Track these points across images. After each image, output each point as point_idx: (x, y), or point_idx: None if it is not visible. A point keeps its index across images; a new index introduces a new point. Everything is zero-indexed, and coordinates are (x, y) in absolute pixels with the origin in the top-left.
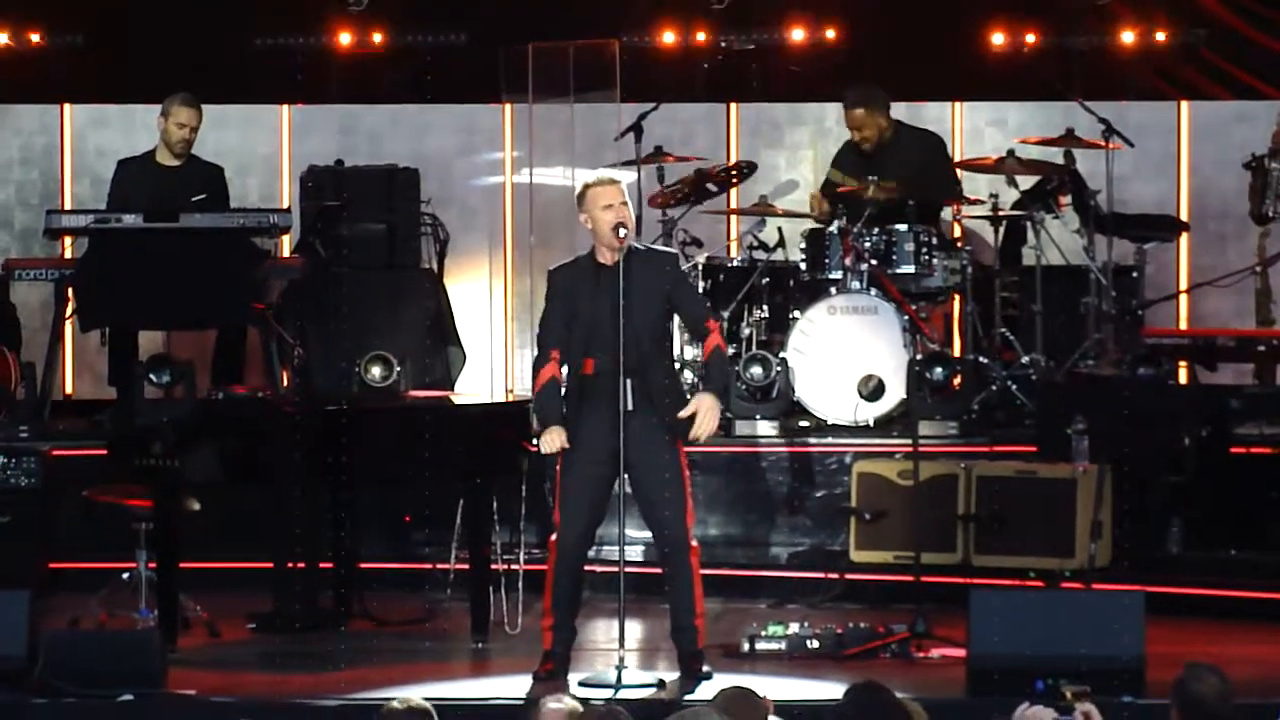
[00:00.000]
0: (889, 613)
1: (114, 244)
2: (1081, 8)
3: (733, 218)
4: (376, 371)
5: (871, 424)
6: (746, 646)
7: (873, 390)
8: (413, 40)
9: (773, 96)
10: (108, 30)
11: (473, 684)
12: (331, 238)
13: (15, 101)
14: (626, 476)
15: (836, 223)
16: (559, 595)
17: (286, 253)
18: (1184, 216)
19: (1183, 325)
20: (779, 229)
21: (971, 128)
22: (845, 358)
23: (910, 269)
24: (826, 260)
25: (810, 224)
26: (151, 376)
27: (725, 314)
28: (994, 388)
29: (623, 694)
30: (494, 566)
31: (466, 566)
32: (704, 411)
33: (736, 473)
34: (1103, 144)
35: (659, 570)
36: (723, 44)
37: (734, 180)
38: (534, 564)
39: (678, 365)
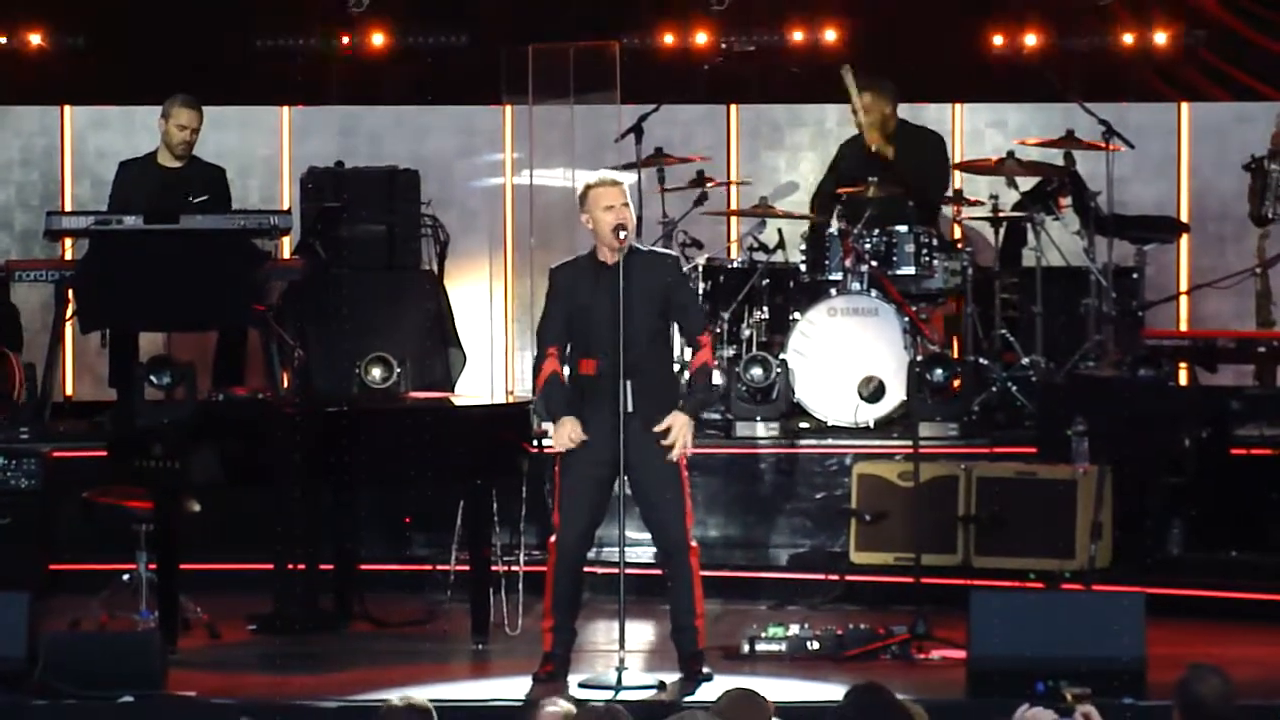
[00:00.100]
0: (889, 614)
1: (114, 245)
2: (1082, 8)
3: (733, 219)
4: (377, 373)
5: (872, 425)
6: (747, 648)
7: (873, 392)
8: (413, 41)
9: (773, 98)
10: (108, 32)
11: (473, 685)
12: (332, 239)
13: (16, 103)
14: (626, 478)
15: (837, 224)
16: (559, 597)
17: (287, 254)
18: (1184, 218)
19: (1183, 326)
20: (779, 230)
21: (972, 129)
22: (845, 359)
23: (910, 270)
24: (827, 262)
25: (810, 225)
26: (152, 378)
27: (725, 315)
28: (994, 389)
29: (623, 695)
30: (494, 568)
31: (467, 568)
32: (678, 429)
33: (736, 474)
34: (1103, 145)
35: (659, 572)
36: (723, 45)
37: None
38: (534, 565)
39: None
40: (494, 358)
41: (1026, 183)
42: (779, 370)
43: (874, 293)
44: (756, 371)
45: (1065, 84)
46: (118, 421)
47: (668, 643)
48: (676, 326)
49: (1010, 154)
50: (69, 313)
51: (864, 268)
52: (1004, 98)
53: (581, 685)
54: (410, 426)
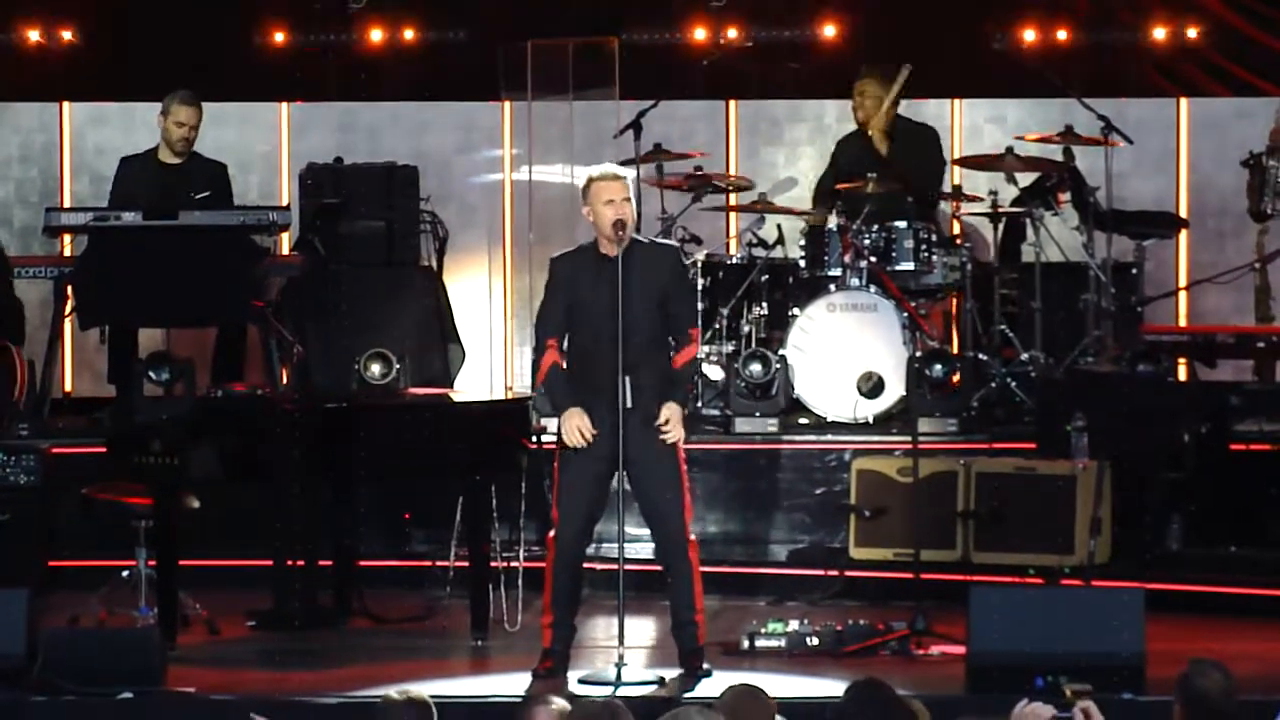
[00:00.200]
0: (889, 610)
1: (113, 242)
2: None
3: (732, 215)
4: (376, 369)
5: (871, 421)
6: (746, 644)
7: (872, 387)
8: (412, 37)
9: (772, 94)
10: (107, 28)
11: (472, 681)
12: (331, 235)
13: (14, 99)
14: (625, 473)
15: (836, 220)
16: (558, 593)
17: (286, 250)
18: (1183, 213)
19: (1182, 322)
20: (778, 226)
21: (970, 124)
22: (845, 355)
23: (910, 266)
24: (826, 257)
25: (809, 221)
26: (151, 374)
27: (724, 311)
28: (993, 385)
29: (623, 691)
30: (493, 564)
31: (466, 564)
32: (675, 420)
33: (736, 470)
34: (1102, 141)
35: (659, 568)
36: (721, 41)
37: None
38: (533, 561)
39: None
40: (493, 353)
41: (1026, 178)
42: (778, 366)
43: (873, 288)
44: (756, 367)
45: (1065, 80)
46: (117, 418)
47: (667, 638)
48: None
49: (1009, 149)
50: (68, 309)
51: (863, 263)
52: (1003, 93)
53: (581, 681)
54: (409, 423)
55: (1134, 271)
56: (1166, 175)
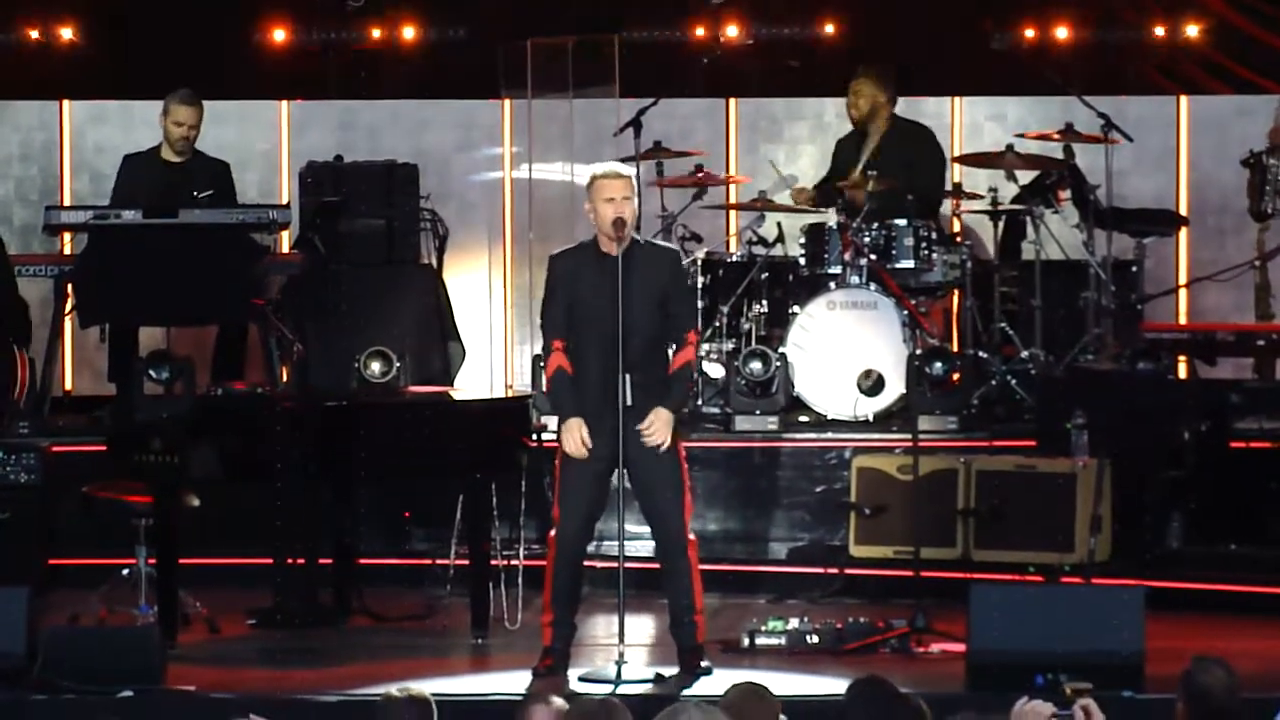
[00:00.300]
0: (889, 608)
1: (113, 240)
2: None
3: (732, 213)
4: (376, 367)
5: (871, 419)
6: (746, 642)
7: (872, 385)
8: (412, 36)
9: (771, 91)
10: (107, 26)
11: (472, 679)
12: (331, 233)
13: (14, 98)
14: (625, 471)
15: (836, 217)
16: (558, 591)
17: (286, 249)
18: (1183, 211)
19: (1182, 320)
20: (778, 224)
21: (971, 122)
22: (845, 353)
23: (910, 264)
24: (826, 255)
25: (810, 219)
26: (151, 373)
27: (724, 309)
28: (993, 382)
29: (623, 689)
30: (494, 562)
31: (466, 562)
32: (657, 423)
33: (736, 468)
34: (1102, 139)
35: (659, 565)
36: (721, 39)
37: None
38: (533, 559)
39: None
40: (493, 352)
41: (1026, 176)
42: (778, 364)
43: (873, 286)
44: (755, 365)
45: (1065, 77)
46: (117, 416)
47: (667, 636)
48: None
49: (1009, 147)
50: (68, 307)
51: (863, 261)
52: (1003, 91)
53: (581, 679)
54: (409, 421)
55: (1134, 269)
56: (1167, 173)
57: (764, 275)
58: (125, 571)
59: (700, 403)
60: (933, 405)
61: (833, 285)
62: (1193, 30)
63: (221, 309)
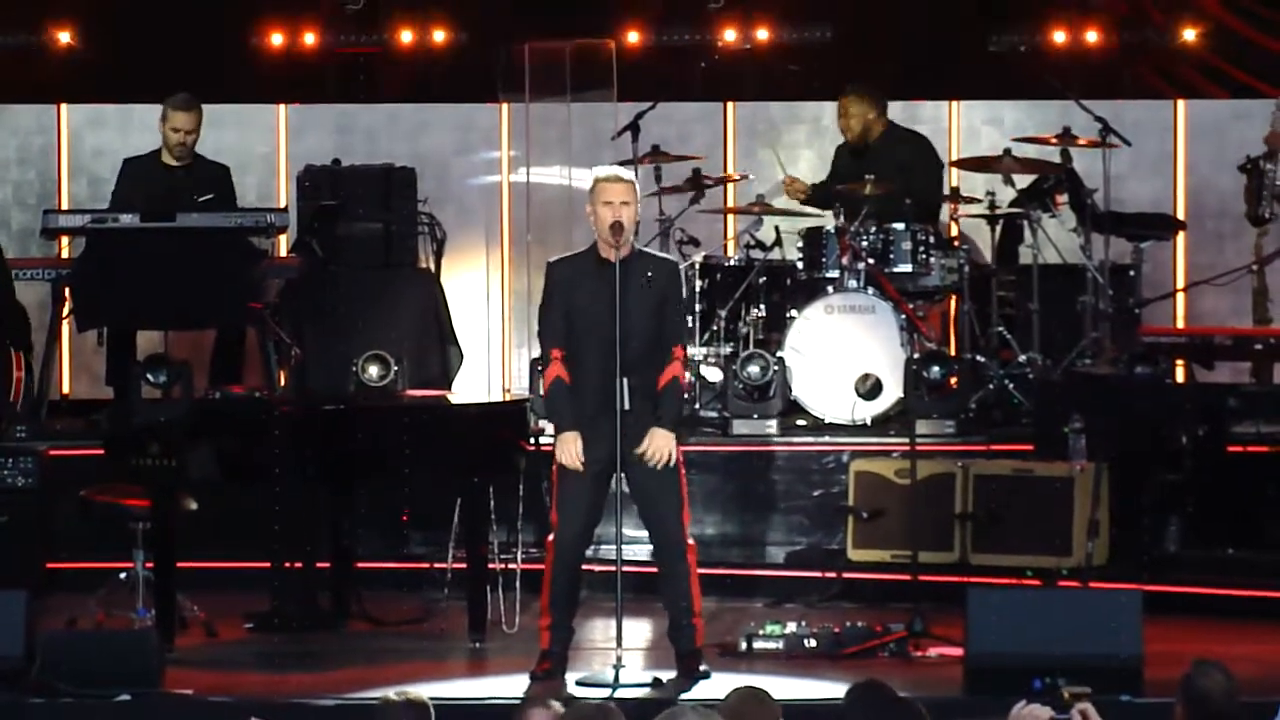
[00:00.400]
0: (886, 612)
1: (111, 244)
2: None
3: (730, 217)
4: (374, 371)
5: (869, 423)
6: (744, 646)
7: (870, 389)
8: (410, 39)
9: (769, 96)
10: (105, 30)
11: (470, 683)
12: (329, 237)
13: (12, 101)
14: (624, 476)
15: (833, 221)
16: (556, 594)
17: (284, 252)
18: (1181, 215)
19: (1180, 324)
20: (776, 228)
21: (968, 126)
22: (842, 357)
23: (907, 268)
24: (824, 259)
25: (808, 223)
26: (149, 376)
27: (722, 312)
28: (991, 386)
29: (620, 693)
30: (491, 566)
31: (464, 566)
32: (657, 443)
33: (734, 472)
34: (1100, 143)
35: (657, 569)
36: (719, 43)
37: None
38: (531, 563)
39: None
40: (491, 355)
41: (1023, 180)
42: (776, 368)
43: (871, 290)
44: (753, 369)
45: (1062, 81)
46: (115, 420)
47: (665, 640)
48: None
49: (1007, 151)
50: (66, 311)
51: (861, 265)
52: (1000, 95)
53: (579, 683)
54: (407, 425)
55: (1132, 273)
56: (1164, 177)
57: (762, 279)
58: (123, 575)
59: (698, 406)
60: (930, 409)
61: (830, 289)
62: (1190, 34)
63: (219, 312)
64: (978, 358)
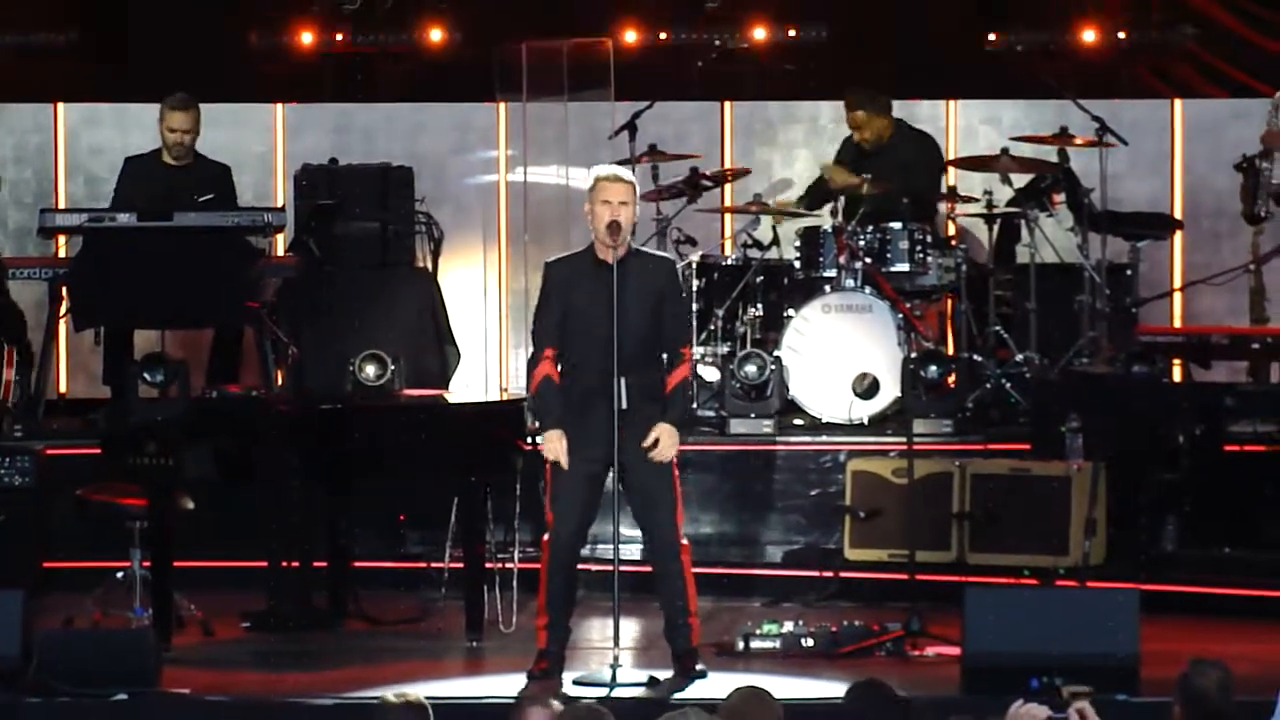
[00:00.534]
0: (884, 611)
1: (108, 243)
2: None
3: (727, 216)
4: (371, 370)
5: (866, 422)
6: (741, 645)
7: (867, 388)
8: (407, 38)
9: (766, 95)
10: (102, 29)
11: (467, 683)
12: (326, 236)
13: (9, 100)
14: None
15: (830, 220)
16: (553, 594)
17: (281, 252)
18: (1178, 214)
19: (1177, 323)
20: (773, 227)
21: (965, 126)
22: (840, 356)
23: (905, 267)
24: (821, 258)
25: (805, 222)
26: (146, 375)
27: (720, 312)
28: (988, 386)
29: (618, 692)
30: (488, 565)
31: (461, 565)
32: (665, 438)
33: (731, 471)
34: (1097, 142)
35: (651, 570)
36: (716, 43)
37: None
38: (528, 562)
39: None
40: (488, 355)
41: (1021, 179)
42: (773, 367)
43: (868, 289)
44: (751, 368)
45: (1060, 81)
46: (112, 419)
47: (662, 640)
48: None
49: (1004, 151)
50: (63, 310)
51: (858, 264)
52: (998, 94)
53: (576, 683)
54: (404, 424)
55: (1129, 273)
56: (1161, 177)
57: (759, 278)
58: (120, 574)
59: (695, 406)
60: (927, 409)
61: (828, 288)
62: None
63: (216, 312)
64: (975, 357)
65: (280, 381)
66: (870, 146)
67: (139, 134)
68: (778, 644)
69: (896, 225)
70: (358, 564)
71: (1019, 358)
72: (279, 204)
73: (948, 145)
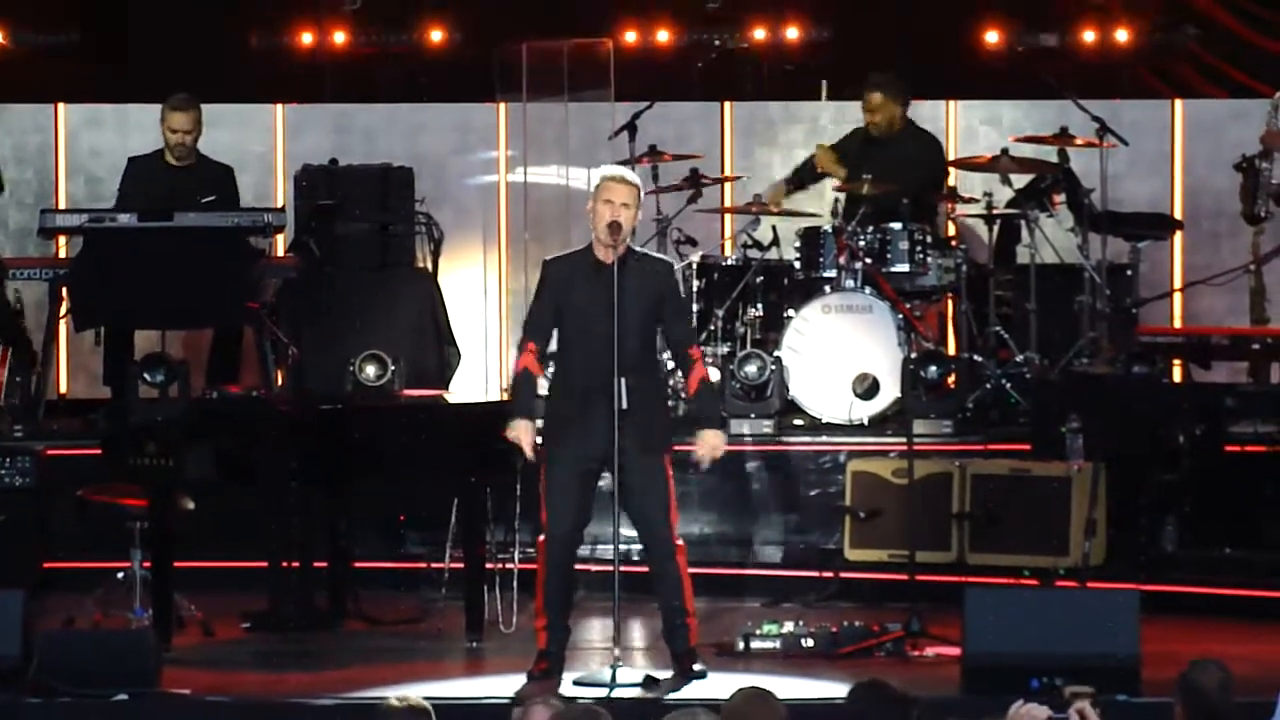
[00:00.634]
0: (884, 611)
1: (108, 243)
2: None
3: (727, 216)
4: (371, 371)
5: (866, 423)
6: (741, 645)
7: (867, 389)
8: (407, 39)
9: (767, 95)
10: (103, 30)
11: (467, 683)
12: (326, 237)
13: (9, 101)
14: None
15: (831, 221)
16: (550, 594)
17: (281, 252)
18: (1178, 215)
19: (1177, 323)
20: (773, 228)
21: (966, 126)
22: (840, 356)
23: (905, 267)
24: (821, 259)
25: (805, 223)
26: (146, 376)
27: (720, 312)
28: (988, 386)
29: (618, 693)
30: (488, 566)
31: (461, 566)
32: (713, 443)
33: (731, 471)
34: (1097, 142)
35: (648, 570)
36: (716, 43)
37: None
38: (528, 563)
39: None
40: (488, 355)
41: (1021, 180)
42: (773, 367)
43: (868, 290)
44: (751, 369)
45: (1060, 81)
46: (112, 419)
47: (662, 640)
48: (664, 336)
49: (1004, 151)
50: (63, 311)
51: (858, 265)
52: (998, 94)
53: (576, 683)
54: (404, 424)
55: (1129, 273)
56: (1161, 177)
57: (759, 279)
58: (120, 575)
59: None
60: (928, 409)
61: (828, 289)
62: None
63: (217, 312)
64: (975, 357)
65: (280, 382)
66: (878, 133)
67: (139, 135)
68: (778, 644)
69: (897, 226)
70: (358, 564)
71: (1019, 358)
72: (279, 204)
73: (948, 145)
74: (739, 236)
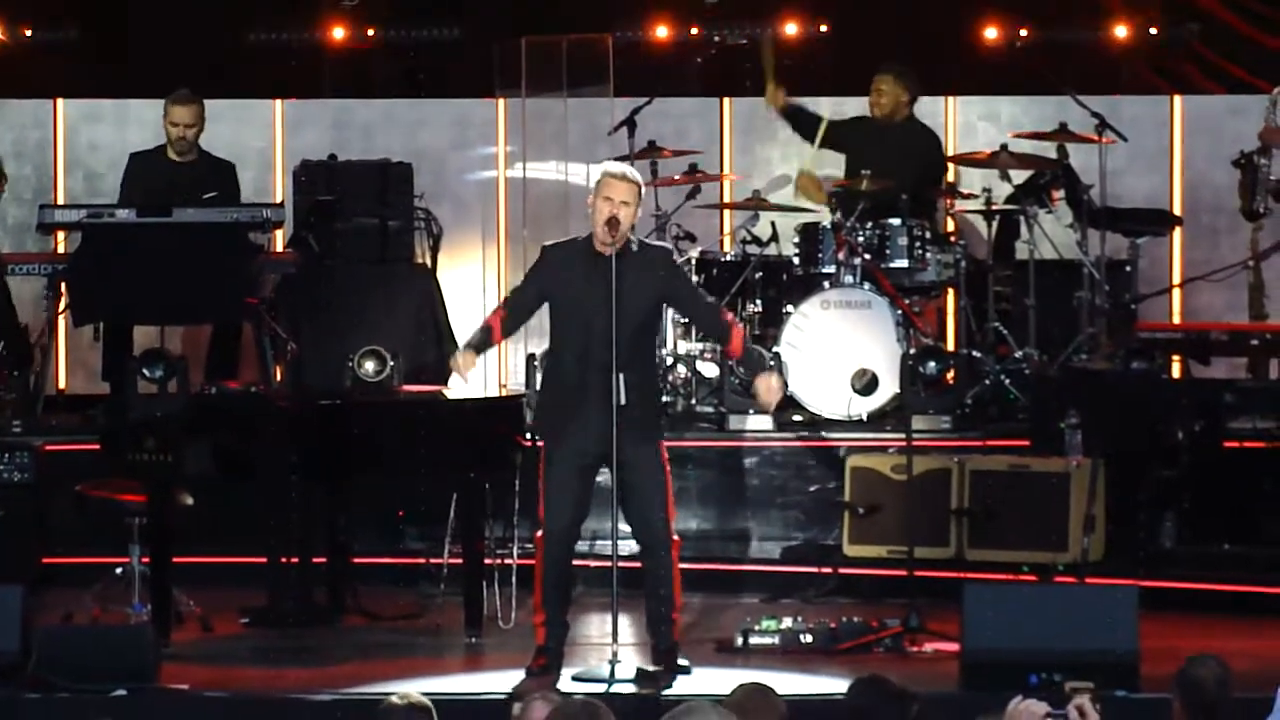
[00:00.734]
0: (882, 607)
1: (107, 239)
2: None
3: (726, 212)
4: (370, 366)
5: (865, 418)
6: (740, 641)
7: (866, 385)
8: (406, 35)
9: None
10: (102, 25)
11: (466, 679)
12: (325, 232)
13: (8, 96)
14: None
15: (830, 216)
16: (549, 590)
17: (280, 248)
18: (1177, 211)
19: (1176, 319)
20: (772, 223)
21: (964, 122)
22: (838, 352)
23: (904, 263)
24: (820, 254)
25: (804, 218)
26: (145, 371)
27: None
28: (987, 382)
29: (616, 688)
30: (487, 561)
31: (460, 561)
32: (768, 389)
33: (729, 467)
34: (1096, 138)
35: (640, 565)
36: (715, 38)
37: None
38: (527, 558)
39: (671, 360)
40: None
41: (1019, 176)
42: (772, 363)
43: (867, 285)
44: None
45: (1059, 77)
46: (111, 415)
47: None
48: (688, 319)
49: (1003, 147)
50: (62, 306)
51: (857, 260)
52: (997, 90)
53: (574, 679)
54: (403, 420)
55: (1128, 269)
56: (1160, 173)
57: (758, 274)
58: (119, 570)
59: (694, 402)
60: (926, 405)
61: (827, 284)
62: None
63: (216, 308)
64: (974, 353)
65: (279, 377)
66: (881, 116)
67: (138, 130)
68: (776, 640)
69: (895, 221)
70: (357, 560)
71: (1018, 354)
72: (278, 200)
73: (947, 141)
74: (738, 232)
